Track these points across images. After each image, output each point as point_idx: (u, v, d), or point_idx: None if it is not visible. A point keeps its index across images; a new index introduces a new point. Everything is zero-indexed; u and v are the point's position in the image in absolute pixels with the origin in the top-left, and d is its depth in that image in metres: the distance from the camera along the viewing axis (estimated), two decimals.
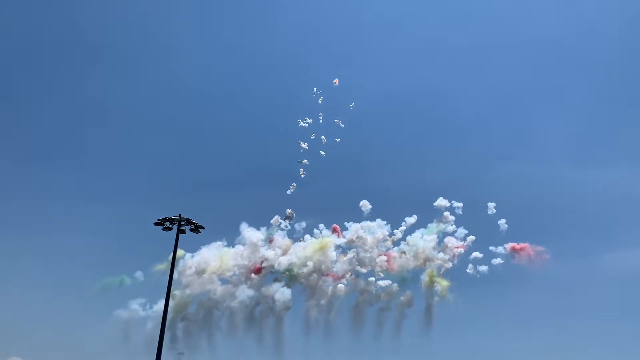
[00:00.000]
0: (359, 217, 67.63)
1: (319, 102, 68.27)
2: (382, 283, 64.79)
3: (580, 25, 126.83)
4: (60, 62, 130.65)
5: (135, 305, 63.52)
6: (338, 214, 75.96)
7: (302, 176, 67.96)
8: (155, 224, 43.37)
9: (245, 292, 66.29)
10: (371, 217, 67.43)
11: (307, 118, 68.36)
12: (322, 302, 66.32)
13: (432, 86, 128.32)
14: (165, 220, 43.36)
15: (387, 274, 66.06)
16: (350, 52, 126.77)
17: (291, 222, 67.83)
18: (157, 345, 39.43)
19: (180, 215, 43.60)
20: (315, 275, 65.97)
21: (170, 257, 63.66)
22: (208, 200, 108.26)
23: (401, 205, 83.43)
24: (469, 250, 64.66)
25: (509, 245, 65.17)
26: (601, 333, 78.01)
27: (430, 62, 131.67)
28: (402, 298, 64.98)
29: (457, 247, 64.83)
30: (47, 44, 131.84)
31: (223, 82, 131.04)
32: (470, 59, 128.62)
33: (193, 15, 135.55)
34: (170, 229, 43.60)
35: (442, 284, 65.81)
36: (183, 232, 43.78)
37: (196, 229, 44.42)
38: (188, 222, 43.82)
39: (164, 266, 62.10)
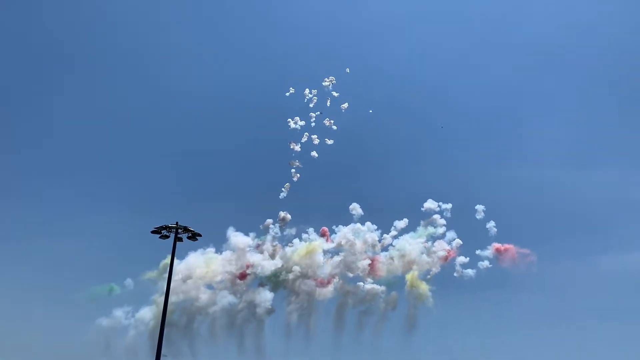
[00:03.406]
0: (349, 220, 67.41)
1: (310, 106, 67.63)
2: (369, 287, 64.93)
3: (574, 28, 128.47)
4: (58, 67, 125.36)
5: (119, 313, 61.50)
6: (328, 218, 74.86)
7: (295, 179, 66.92)
8: (153, 232, 41.75)
9: (226, 298, 65.42)
10: (362, 220, 67.37)
11: (298, 119, 67.15)
12: (305, 306, 66.07)
13: (425, 90, 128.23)
14: (162, 228, 41.81)
15: (373, 278, 66.18)
16: (343, 54, 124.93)
17: (284, 225, 66.91)
18: (157, 346, 38.58)
19: (177, 223, 42.25)
20: (301, 280, 65.56)
21: (161, 264, 62.83)
22: (197, 205, 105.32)
23: (392, 208, 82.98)
24: (458, 254, 65.16)
25: (493, 246, 64.81)
26: (592, 336, 78.26)
27: (423, 66, 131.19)
28: (385, 301, 65.33)
29: (444, 250, 65.29)
30: (42, 46, 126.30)
31: (216, 83, 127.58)
32: (464, 62, 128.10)
33: (181, 17, 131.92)
34: (168, 237, 42.13)
35: (422, 287, 66.46)
36: (180, 240, 42.41)
37: (193, 236, 43.14)
38: (185, 229, 42.49)
39: (154, 274, 60.44)
